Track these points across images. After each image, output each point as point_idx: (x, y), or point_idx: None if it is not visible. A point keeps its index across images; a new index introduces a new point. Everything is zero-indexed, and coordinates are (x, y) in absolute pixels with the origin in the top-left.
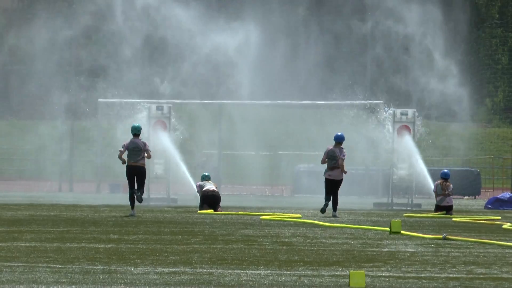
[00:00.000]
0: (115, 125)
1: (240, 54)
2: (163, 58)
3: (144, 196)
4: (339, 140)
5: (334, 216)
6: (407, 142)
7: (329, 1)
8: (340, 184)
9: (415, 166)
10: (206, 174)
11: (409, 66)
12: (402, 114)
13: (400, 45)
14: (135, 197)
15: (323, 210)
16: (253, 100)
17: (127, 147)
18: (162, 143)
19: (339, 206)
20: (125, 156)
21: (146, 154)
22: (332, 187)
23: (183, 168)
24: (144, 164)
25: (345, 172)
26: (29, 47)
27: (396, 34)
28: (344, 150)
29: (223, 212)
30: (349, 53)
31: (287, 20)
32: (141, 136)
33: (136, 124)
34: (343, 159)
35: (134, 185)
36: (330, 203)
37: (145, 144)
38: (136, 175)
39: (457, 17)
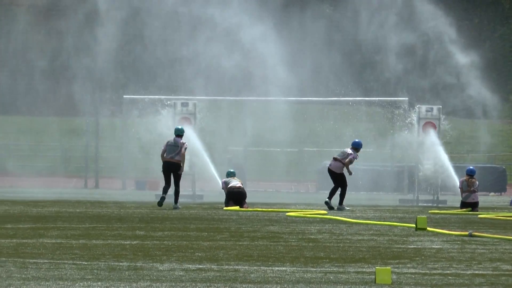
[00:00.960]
0: (140, 122)
1: (265, 49)
2: (189, 54)
3: (170, 192)
4: (353, 146)
5: (338, 209)
6: (432, 138)
7: None
8: (339, 178)
9: (440, 162)
10: (231, 170)
11: (433, 63)
12: (427, 110)
13: (423, 42)
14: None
15: (325, 202)
16: (278, 97)
17: (166, 144)
18: (187, 140)
19: (353, 202)
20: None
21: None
22: (331, 178)
23: (209, 164)
24: (179, 161)
25: (350, 173)
26: (54, 43)
27: (419, 30)
28: (354, 154)
29: (248, 209)
30: (373, 49)
31: (312, 16)
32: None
33: (179, 126)
34: (349, 159)
35: (169, 180)
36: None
37: (183, 143)
38: (172, 171)
39: (481, 14)
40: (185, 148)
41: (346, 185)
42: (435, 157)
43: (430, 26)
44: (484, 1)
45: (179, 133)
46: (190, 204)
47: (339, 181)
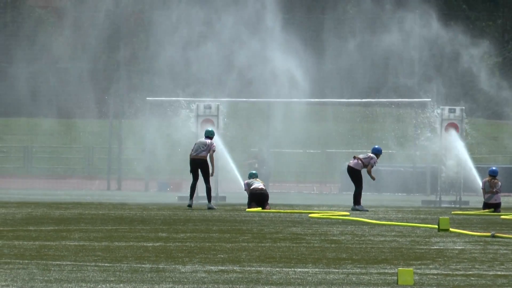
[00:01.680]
0: (163, 123)
1: (288, 51)
2: (209, 57)
3: (201, 194)
4: (373, 152)
5: (353, 209)
6: (455, 139)
7: None
8: (355, 176)
9: (463, 163)
10: (254, 172)
11: (456, 64)
12: (450, 111)
13: (445, 43)
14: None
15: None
16: (300, 98)
17: (194, 144)
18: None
19: (376, 203)
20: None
21: (210, 150)
22: (350, 176)
23: (232, 166)
24: (205, 157)
25: (373, 179)
26: (76, 45)
27: (440, 32)
28: (375, 159)
29: (271, 210)
30: (396, 51)
31: (332, 16)
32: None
33: (210, 128)
34: (371, 164)
35: (197, 177)
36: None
37: (212, 143)
38: (199, 168)
39: (504, 15)
40: (214, 150)
41: (362, 186)
42: (458, 158)
43: (452, 28)
44: (508, 2)
45: (208, 135)
46: (213, 205)
47: (355, 179)
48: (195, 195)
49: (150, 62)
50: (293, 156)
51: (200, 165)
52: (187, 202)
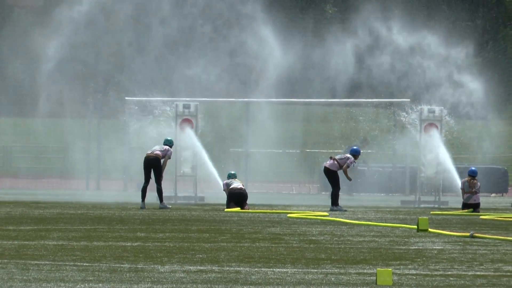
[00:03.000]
0: (142, 123)
1: (265, 52)
2: (187, 55)
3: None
4: (351, 153)
5: (332, 209)
6: (434, 139)
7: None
8: (331, 176)
9: (442, 163)
10: (233, 172)
11: (434, 64)
12: (429, 111)
13: (424, 43)
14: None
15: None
16: (279, 98)
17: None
18: (189, 142)
19: (355, 203)
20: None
21: (165, 155)
22: (326, 177)
23: (210, 166)
24: (159, 156)
25: (349, 179)
26: (52, 45)
27: (419, 33)
28: (352, 159)
29: (250, 210)
30: (373, 51)
31: (314, 18)
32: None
33: (169, 138)
34: (347, 164)
35: (148, 178)
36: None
37: (169, 150)
38: (152, 167)
39: (484, 15)
40: (169, 157)
41: (338, 186)
42: (437, 158)
43: (432, 28)
44: (488, 3)
45: (167, 143)
46: (192, 205)
47: (332, 180)
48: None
49: (128, 61)
50: (271, 156)
51: (153, 163)
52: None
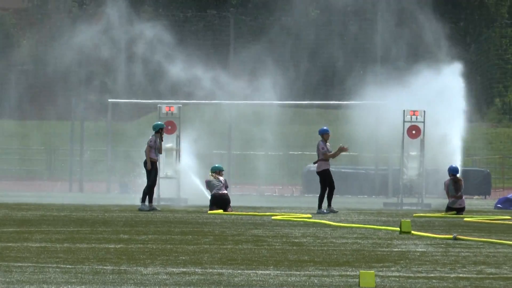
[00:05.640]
0: (125, 125)
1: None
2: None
3: (154, 196)
4: (319, 134)
5: (318, 213)
6: (417, 142)
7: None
8: (320, 177)
9: (424, 166)
10: (217, 165)
11: (415, 66)
12: (412, 114)
13: (408, 46)
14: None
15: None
16: (262, 101)
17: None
18: (172, 144)
19: (338, 206)
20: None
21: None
22: (328, 179)
23: (192, 169)
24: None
25: (334, 156)
26: (38, 47)
27: (402, 34)
28: (323, 144)
29: (233, 213)
30: (357, 53)
31: (295, 20)
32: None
33: (158, 122)
34: (323, 153)
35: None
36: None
37: (150, 138)
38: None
39: (466, 17)
40: (148, 145)
41: (326, 188)
42: (420, 160)
43: (414, 28)
44: (470, 5)
45: (153, 129)
46: (175, 207)
47: (320, 182)
48: (153, 197)
49: (111, 64)
50: (254, 159)
51: (144, 161)
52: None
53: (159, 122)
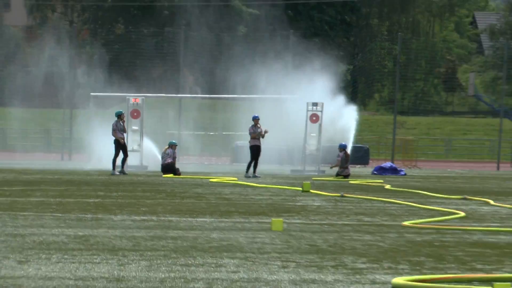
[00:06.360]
0: (103, 112)
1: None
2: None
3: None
4: (252, 119)
5: (254, 176)
6: (316, 125)
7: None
8: (250, 151)
9: (321, 143)
10: (173, 141)
11: (319, 70)
12: (313, 105)
13: (316, 57)
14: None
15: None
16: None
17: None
18: (137, 126)
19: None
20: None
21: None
22: (255, 153)
23: (152, 144)
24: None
25: (262, 136)
26: (40, 54)
27: (311, 46)
28: (251, 127)
29: (181, 176)
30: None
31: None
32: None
33: (119, 110)
34: (252, 133)
35: (117, 152)
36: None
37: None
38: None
39: (355, 33)
40: (112, 128)
41: (253, 159)
42: (318, 139)
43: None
44: (359, 24)
45: (115, 115)
46: (138, 173)
47: (250, 153)
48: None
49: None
50: (196, 137)
51: (115, 139)
52: (118, 170)
53: (118, 110)
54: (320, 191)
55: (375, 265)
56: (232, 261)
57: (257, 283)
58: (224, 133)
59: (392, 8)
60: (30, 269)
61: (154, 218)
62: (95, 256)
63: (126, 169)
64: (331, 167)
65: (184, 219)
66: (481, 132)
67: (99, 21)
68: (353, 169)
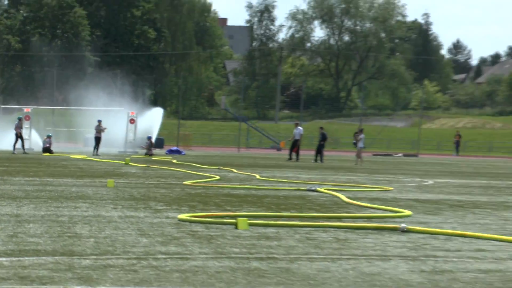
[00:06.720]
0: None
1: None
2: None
3: (19, 146)
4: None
5: (97, 155)
6: (133, 125)
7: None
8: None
9: (136, 135)
10: (49, 134)
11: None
12: (129, 114)
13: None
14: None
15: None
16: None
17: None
18: (28, 125)
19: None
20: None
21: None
22: (97, 141)
23: (37, 135)
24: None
25: (103, 131)
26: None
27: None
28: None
29: (54, 154)
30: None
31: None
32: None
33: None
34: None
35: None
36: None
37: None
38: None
39: (156, 72)
40: (15, 125)
41: (97, 144)
42: (134, 132)
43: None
44: (158, 67)
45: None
46: (28, 152)
47: (95, 141)
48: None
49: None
50: (63, 131)
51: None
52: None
53: (19, 115)
54: (135, 163)
55: (168, 207)
56: (84, 204)
57: (99, 218)
58: (79, 129)
59: (178, 56)
60: None
61: (37, 179)
62: (2, 201)
63: (19, 150)
64: (142, 148)
65: (55, 179)
66: (228, 129)
67: None
68: (155, 151)
